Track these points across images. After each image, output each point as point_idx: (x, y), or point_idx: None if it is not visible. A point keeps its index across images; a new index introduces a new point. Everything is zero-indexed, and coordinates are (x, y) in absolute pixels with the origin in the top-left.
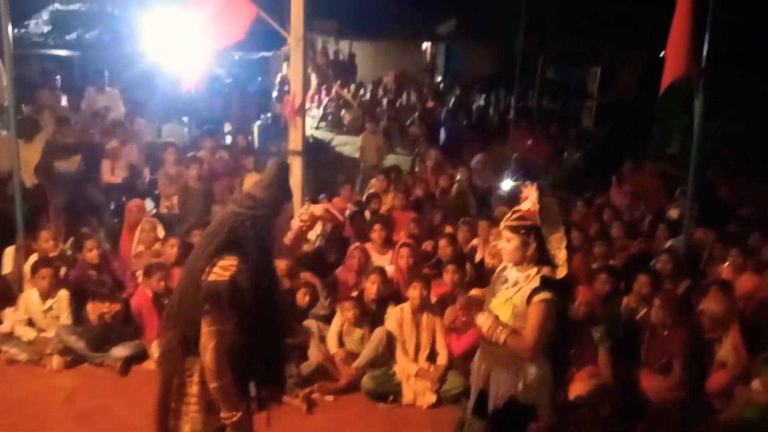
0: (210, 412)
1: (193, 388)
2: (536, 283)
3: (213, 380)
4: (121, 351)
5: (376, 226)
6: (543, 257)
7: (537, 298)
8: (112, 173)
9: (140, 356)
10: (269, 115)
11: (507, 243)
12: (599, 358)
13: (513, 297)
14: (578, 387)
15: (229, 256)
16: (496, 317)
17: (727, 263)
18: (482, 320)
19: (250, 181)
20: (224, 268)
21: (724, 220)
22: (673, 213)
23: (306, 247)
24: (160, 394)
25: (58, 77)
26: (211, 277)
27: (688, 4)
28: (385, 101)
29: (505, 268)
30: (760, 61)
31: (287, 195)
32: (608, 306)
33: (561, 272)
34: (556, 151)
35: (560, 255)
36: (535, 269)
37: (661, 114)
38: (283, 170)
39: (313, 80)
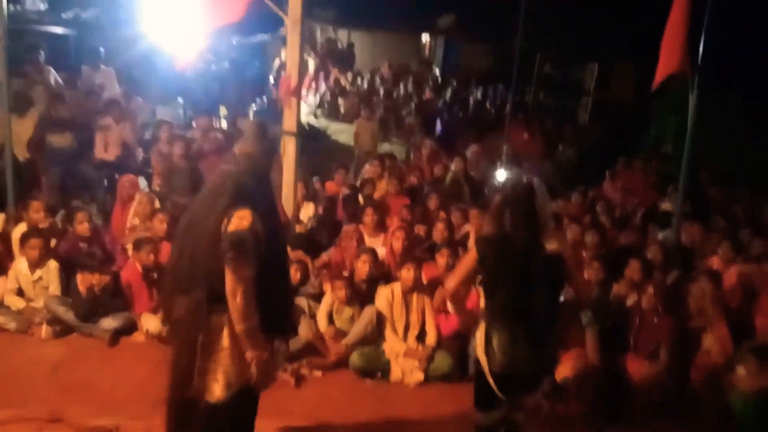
0: (243, 363)
1: (225, 342)
2: None
3: (242, 322)
4: (110, 323)
5: (369, 210)
6: None
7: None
8: (105, 150)
9: (129, 329)
10: (265, 99)
11: None
12: (587, 342)
13: None
14: (565, 368)
15: (242, 208)
16: None
17: (717, 256)
18: None
19: None
20: (242, 218)
21: (713, 218)
22: (665, 207)
23: (299, 228)
24: (181, 355)
25: (42, 52)
26: (231, 228)
27: (684, 2)
28: (381, 91)
29: None
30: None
31: (273, 147)
32: (598, 292)
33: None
34: (551, 146)
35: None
36: None
37: (656, 114)
38: (264, 126)
39: (311, 67)
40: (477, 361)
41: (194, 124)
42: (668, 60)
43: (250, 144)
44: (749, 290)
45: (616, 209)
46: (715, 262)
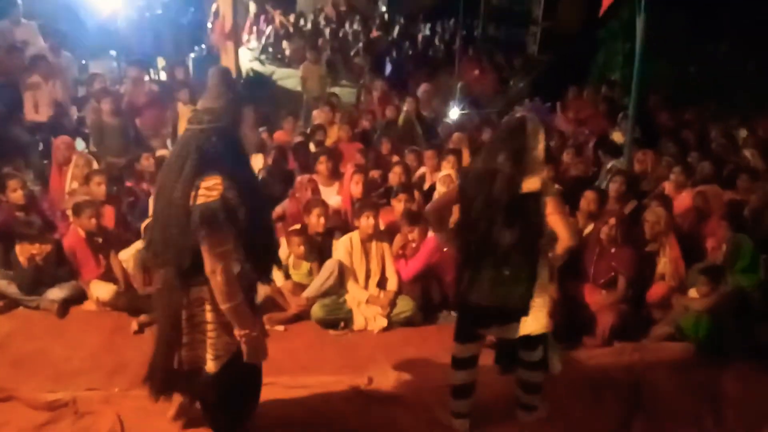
0: (229, 333)
1: (208, 315)
2: None
3: (226, 301)
4: (56, 293)
5: (323, 158)
6: None
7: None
8: (36, 111)
9: (78, 297)
10: (204, 47)
11: None
12: None
13: None
14: None
15: (209, 176)
16: None
17: (669, 181)
18: None
19: (184, 114)
20: (210, 189)
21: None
22: (616, 136)
23: None
24: (166, 330)
25: None
26: (200, 200)
27: None
28: (327, 32)
29: None
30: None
31: (241, 99)
32: None
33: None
34: (502, 80)
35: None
36: None
37: (604, 40)
38: (227, 75)
39: (251, 9)
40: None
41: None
42: None
43: (212, 98)
44: (701, 213)
45: (568, 140)
46: (667, 187)
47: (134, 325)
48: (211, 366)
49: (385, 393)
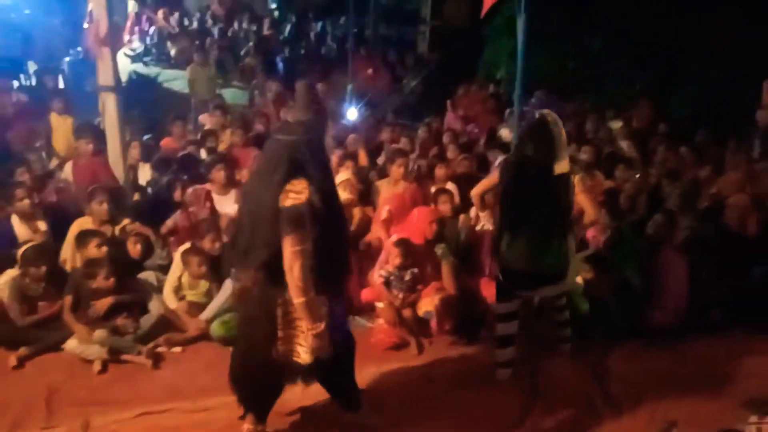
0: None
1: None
2: None
3: (300, 296)
4: None
5: (218, 166)
6: None
7: None
8: None
9: None
10: (80, 50)
11: None
12: (443, 274)
13: None
14: (426, 303)
15: (296, 181)
16: None
17: None
18: None
19: (58, 125)
20: (298, 192)
21: None
22: (504, 133)
23: (136, 196)
24: (258, 324)
25: None
26: (288, 203)
27: None
28: (215, 31)
29: None
30: None
31: (325, 112)
32: (449, 224)
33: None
34: (395, 79)
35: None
36: None
37: (489, 37)
38: (311, 90)
39: (132, 8)
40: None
41: None
42: None
43: (302, 111)
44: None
45: (459, 138)
46: None
47: (12, 360)
48: (306, 357)
49: (293, 407)
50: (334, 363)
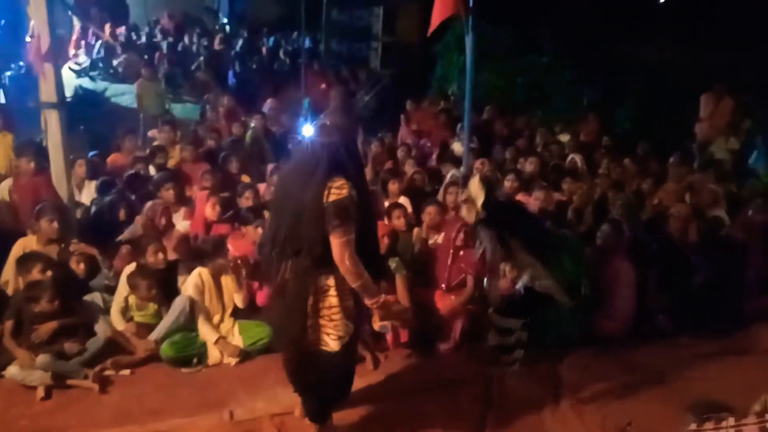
0: (349, 317)
1: (332, 300)
2: None
3: (356, 281)
4: None
5: (168, 184)
6: None
7: None
8: None
9: None
10: (22, 63)
11: None
12: (397, 288)
13: None
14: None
15: (336, 178)
16: None
17: (505, 188)
18: None
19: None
20: (340, 188)
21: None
22: (457, 146)
23: (79, 214)
24: (292, 314)
25: None
26: (332, 198)
27: None
28: (165, 45)
29: None
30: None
31: (357, 118)
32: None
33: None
34: (349, 94)
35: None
36: None
37: (440, 53)
38: (348, 96)
39: (77, 21)
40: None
41: None
42: (442, 4)
43: (339, 115)
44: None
45: (412, 152)
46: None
47: None
48: (334, 345)
49: (248, 427)
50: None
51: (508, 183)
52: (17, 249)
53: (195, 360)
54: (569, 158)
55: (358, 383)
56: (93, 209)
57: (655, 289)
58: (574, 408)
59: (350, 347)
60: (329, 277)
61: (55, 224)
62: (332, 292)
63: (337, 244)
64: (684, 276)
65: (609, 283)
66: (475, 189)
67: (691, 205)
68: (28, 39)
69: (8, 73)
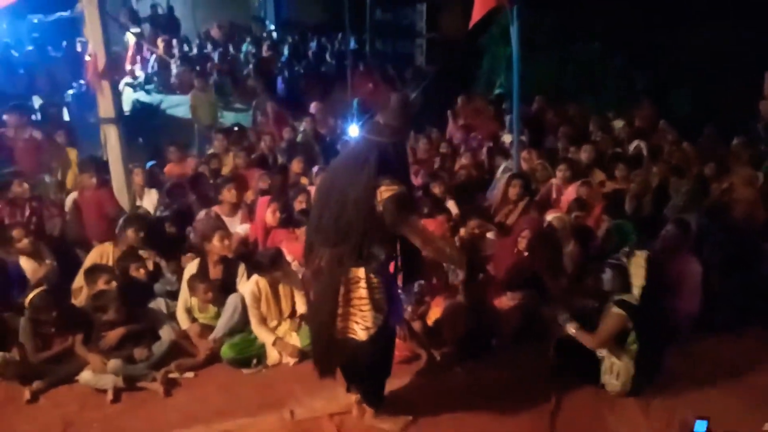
0: (377, 309)
1: (362, 292)
2: None
3: (427, 246)
4: None
5: (229, 186)
6: None
7: None
8: None
9: None
10: (83, 82)
11: None
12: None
13: None
14: (435, 312)
15: (384, 178)
16: None
17: (557, 177)
18: None
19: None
20: (389, 185)
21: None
22: (507, 139)
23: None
24: (324, 301)
25: None
26: (386, 195)
27: None
28: (216, 55)
29: None
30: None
31: (411, 122)
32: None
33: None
34: (407, 97)
35: None
36: None
37: (486, 46)
38: (407, 100)
39: (131, 39)
40: None
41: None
42: None
43: (393, 117)
44: (583, 205)
45: (459, 148)
46: (555, 185)
47: (26, 394)
48: (362, 335)
49: (308, 426)
50: (381, 345)
51: (560, 173)
52: (94, 256)
53: (255, 361)
54: (635, 144)
55: (414, 380)
56: (157, 215)
57: (720, 280)
58: (638, 402)
59: (379, 339)
60: (359, 269)
61: (142, 234)
62: (362, 284)
63: (413, 233)
64: (751, 265)
65: (674, 279)
66: (637, 268)
67: (759, 189)
68: (87, 58)
69: (71, 92)
